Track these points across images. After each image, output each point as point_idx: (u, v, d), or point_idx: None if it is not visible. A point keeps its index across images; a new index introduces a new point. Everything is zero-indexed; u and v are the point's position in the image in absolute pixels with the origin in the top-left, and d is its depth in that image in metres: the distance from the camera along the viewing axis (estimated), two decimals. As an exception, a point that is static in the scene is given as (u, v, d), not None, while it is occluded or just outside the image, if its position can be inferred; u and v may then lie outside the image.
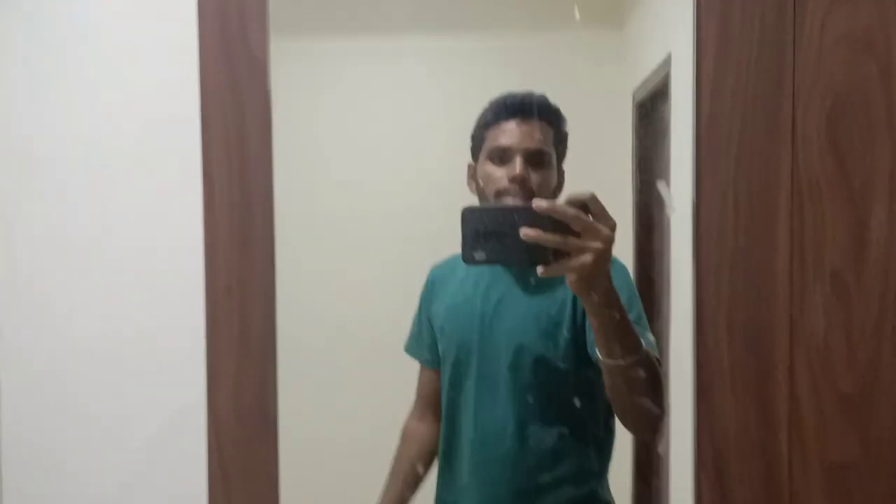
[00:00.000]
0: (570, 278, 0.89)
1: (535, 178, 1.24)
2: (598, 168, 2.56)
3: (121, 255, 0.94)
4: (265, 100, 0.90)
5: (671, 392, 2.05)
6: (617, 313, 0.96)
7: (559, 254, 0.87)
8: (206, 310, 0.90)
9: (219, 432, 0.90)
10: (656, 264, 2.48)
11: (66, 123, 0.94)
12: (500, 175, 1.25)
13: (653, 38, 2.43)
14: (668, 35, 2.27)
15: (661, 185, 1.39)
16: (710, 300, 0.87)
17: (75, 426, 0.95)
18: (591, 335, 1.19)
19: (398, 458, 1.45)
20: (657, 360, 1.14)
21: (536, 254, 0.86)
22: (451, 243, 1.38)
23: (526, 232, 0.85)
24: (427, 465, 1.43)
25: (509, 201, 1.23)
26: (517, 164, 1.23)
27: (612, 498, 1.36)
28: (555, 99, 2.00)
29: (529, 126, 1.27)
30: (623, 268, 1.27)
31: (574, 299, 1.24)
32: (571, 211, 0.86)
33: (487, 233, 0.87)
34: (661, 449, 2.39)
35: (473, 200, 1.32)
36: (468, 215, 0.88)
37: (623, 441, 1.42)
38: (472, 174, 1.33)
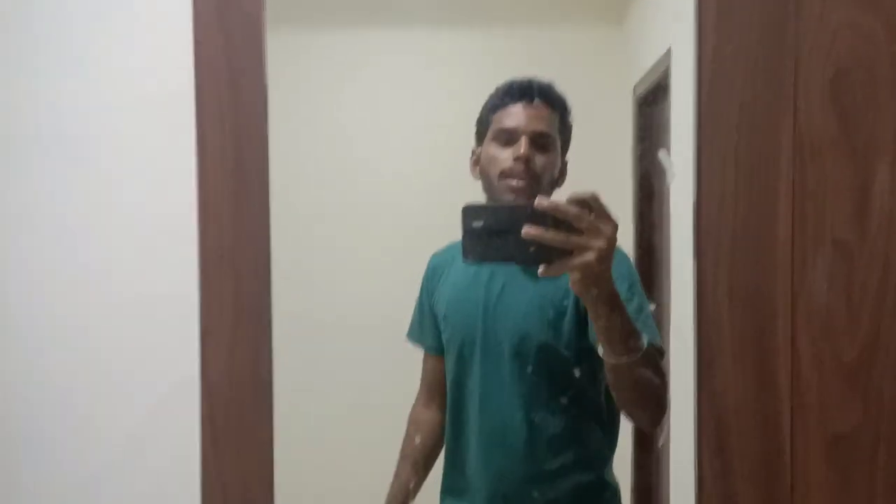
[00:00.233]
0: (573, 277, 0.89)
1: (539, 160, 1.24)
2: (598, 162, 2.56)
3: (112, 221, 0.92)
4: (260, 60, 0.89)
5: (672, 366, 2.04)
6: (618, 312, 0.96)
7: (561, 253, 0.86)
8: (200, 276, 0.89)
9: (211, 399, 0.89)
10: (656, 258, 2.47)
11: (57, 91, 0.93)
12: (504, 156, 1.25)
13: (653, 33, 2.43)
14: (669, 30, 2.27)
15: (661, 153, 1.38)
16: (710, 269, 0.86)
17: (66, 394, 0.93)
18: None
19: (406, 445, 1.45)
20: (660, 350, 1.13)
21: (538, 252, 0.86)
22: (457, 230, 1.38)
23: (527, 230, 0.84)
24: (436, 451, 1.43)
25: (512, 182, 1.23)
26: (522, 145, 1.23)
27: (617, 482, 1.35)
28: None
29: (536, 109, 1.27)
30: (624, 256, 1.27)
31: None
32: (574, 209, 0.85)
33: (488, 231, 0.86)
34: (660, 443, 2.38)
35: (477, 186, 1.32)
36: (469, 213, 0.87)
37: (623, 428, 1.41)
38: (476, 159, 1.32)
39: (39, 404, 0.93)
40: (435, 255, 1.43)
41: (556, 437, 1.27)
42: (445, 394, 1.37)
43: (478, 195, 1.31)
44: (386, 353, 1.75)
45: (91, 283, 0.92)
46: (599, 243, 0.86)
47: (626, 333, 0.98)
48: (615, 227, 0.88)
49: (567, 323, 1.24)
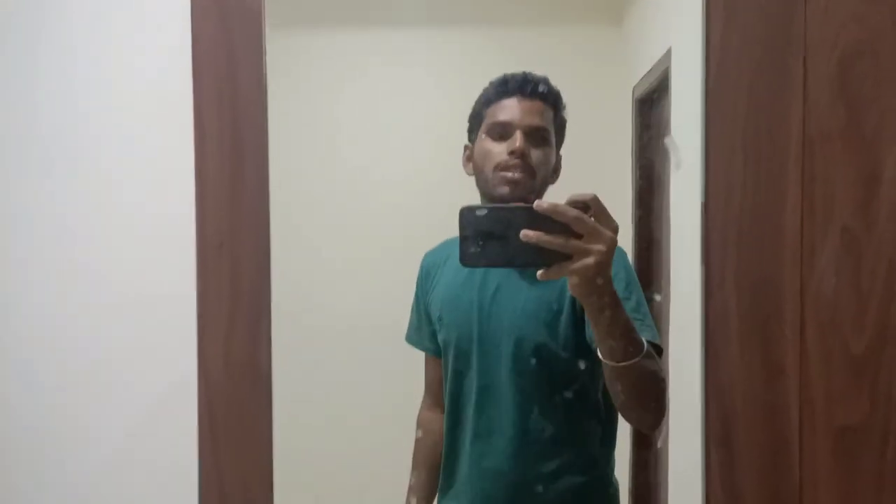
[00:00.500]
0: (572, 281, 0.87)
1: (534, 154, 1.23)
2: (598, 163, 2.56)
3: (109, 215, 0.91)
4: (259, 51, 0.88)
5: (671, 365, 2.03)
6: (618, 316, 0.94)
7: (560, 256, 0.84)
8: (197, 268, 0.87)
9: (209, 390, 0.87)
10: (655, 257, 2.47)
11: (54, 85, 0.91)
12: (499, 150, 1.23)
13: (652, 34, 2.43)
14: (669, 30, 2.27)
15: (668, 140, 1.37)
16: (717, 260, 0.85)
17: (63, 387, 0.92)
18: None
19: (418, 449, 1.43)
20: (658, 348, 1.12)
21: (536, 256, 0.84)
22: (456, 229, 1.37)
23: (526, 233, 0.83)
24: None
25: (508, 175, 1.21)
26: (517, 138, 1.22)
27: (616, 483, 1.33)
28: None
29: (530, 103, 1.25)
30: (622, 252, 1.26)
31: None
32: (573, 212, 0.83)
33: (486, 234, 0.84)
34: (659, 443, 2.36)
35: (470, 182, 1.30)
36: (467, 215, 0.85)
37: (622, 428, 1.40)
38: (469, 155, 1.31)
39: (36, 402, 0.92)
40: (428, 255, 1.41)
41: (555, 438, 1.25)
42: None
43: (476, 194, 1.30)
44: (385, 354, 1.74)
45: (88, 278, 0.91)
46: (599, 246, 0.84)
47: (625, 337, 0.96)
48: (615, 229, 0.86)
49: (563, 322, 1.22)
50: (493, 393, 1.25)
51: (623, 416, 1.15)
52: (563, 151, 2.52)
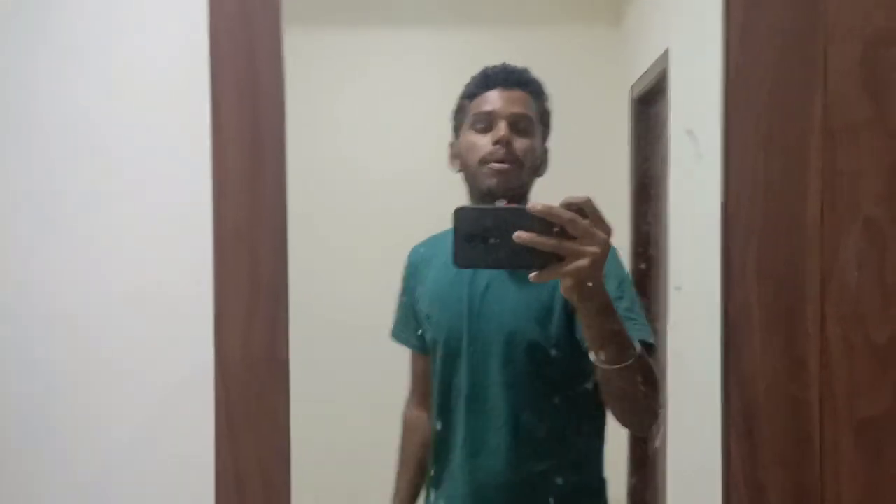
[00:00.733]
0: (566, 283, 0.87)
1: (519, 144, 1.22)
2: (595, 163, 2.57)
3: (125, 196, 0.89)
4: (277, 39, 0.86)
5: (669, 366, 2.02)
6: (611, 319, 0.94)
7: (553, 258, 0.84)
8: (214, 257, 0.86)
9: (226, 380, 0.86)
10: (653, 257, 2.47)
11: (70, 72, 0.90)
12: (483, 142, 1.23)
13: (650, 35, 2.44)
14: (667, 31, 2.28)
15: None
16: (738, 251, 0.84)
17: (77, 379, 0.90)
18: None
19: (404, 448, 1.41)
20: (651, 347, 1.11)
21: (530, 257, 0.83)
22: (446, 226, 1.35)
23: (520, 235, 0.82)
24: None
25: (494, 166, 1.20)
26: (501, 128, 1.21)
27: (605, 480, 1.32)
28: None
29: (512, 93, 1.25)
30: (613, 251, 1.25)
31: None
32: (568, 214, 0.83)
33: (480, 235, 0.84)
34: (656, 444, 2.36)
35: (457, 179, 1.29)
36: (460, 216, 0.85)
37: (619, 429, 1.39)
38: (455, 151, 1.30)
39: (50, 392, 0.90)
40: (414, 250, 1.39)
41: (547, 436, 1.24)
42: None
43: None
44: (385, 350, 1.72)
45: (103, 269, 0.89)
46: (593, 249, 0.84)
47: (618, 340, 0.96)
48: (609, 232, 0.86)
49: (555, 320, 1.21)
50: (483, 391, 1.24)
51: (616, 418, 1.13)
52: (560, 150, 2.52)
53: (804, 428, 0.84)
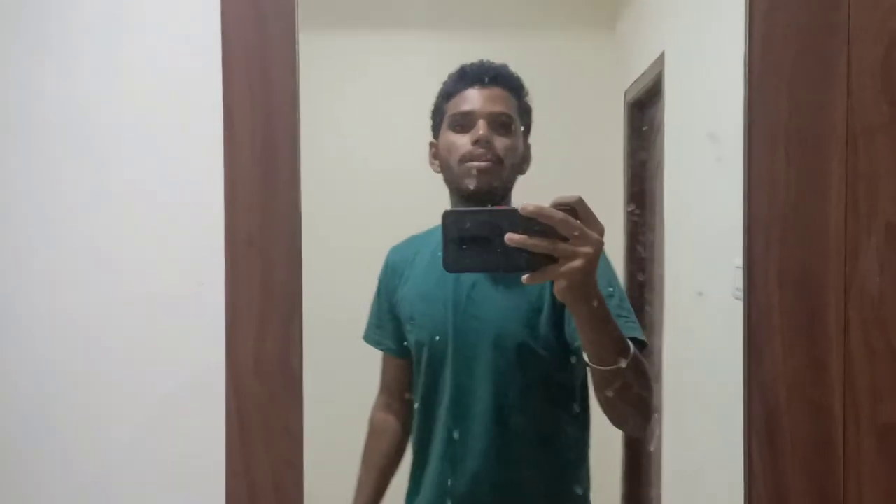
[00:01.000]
0: (559, 285, 0.85)
1: (499, 143, 1.20)
2: (590, 166, 2.56)
3: (136, 199, 0.87)
4: (291, 41, 0.85)
5: (665, 367, 2.01)
6: (606, 319, 0.93)
7: (546, 259, 0.82)
8: (226, 260, 0.84)
9: (238, 393, 0.84)
10: (648, 261, 2.47)
11: (80, 75, 0.88)
12: (463, 142, 1.21)
13: (645, 38, 2.44)
14: (662, 34, 2.28)
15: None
16: (760, 255, 0.84)
17: (84, 377, 0.88)
18: (573, 322, 1.15)
19: (369, 453, 1.36)
20: (643, 344, 1.09)
21: (521, 259, 0.82)
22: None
23: (511, 236, 0.81)
24: (399, 457, 1.36)
25: (474, 164, 1.18)
26: (480, 127, 1.19)
27: (590, 486, 1.30)
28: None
29: (490, 91, 1.23)
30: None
31: (552, 283, 1.19)
32: (559, 215, 0.81)
33: (470, 238, 0.82)
34: (651, 447, 2.36)
35: (438, 179, 1.27)
36: (449, 219, 0.83)
37: (613, 431, 1.38)
38: (435, 152, 1.28)
39: (58, 397, 0.88)
40: (393, 251, 1.36)
41: (534, 440, 1.23)
42: (405, 398, 1.31)
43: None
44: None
45: (111, 275, 0.87)
46: (586, 249, 0.82)
47: (613, 341, 0.95)
48: (601, 232, 0.84)
49: (544, 321, 1.19)
50: (469, 394, 1.22)
51: (610, 419, 1.10)
52: (554, 153, 2.51)
53: (826, 434, 0.83)
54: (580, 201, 0.83)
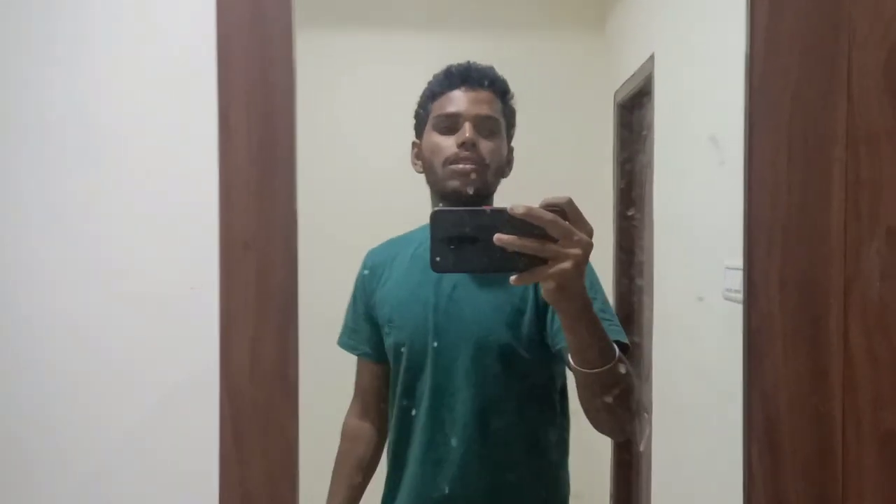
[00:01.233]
0: (548, 286, 0.84)
1: (484, 146, 1.19)
2: (580, 167, 2.56)
3: (128, 206, 0.85)
4: (288, 40, 0.83)
5: (654, 368, 2.01)
6: (592, 321, 0.92)
7: (534, 261, 0.81)
8: (221, 267, 0.82)
9: (232, 400, 0.82)
10: (637, 262, 2.47)
11: (73, 75, 0.86)
12: (447, 144, 1.19)
13: (634, 40, 2.44)
14: (651, 36, 2.28)
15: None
16: (761, 261, 0.83)
17: (82, 385, 0.86)
18: (556, 324, 1.15)
19: (341, 461, 1.34)
20: (626, 347, 1.08)
21: (510, 260, 0.81)
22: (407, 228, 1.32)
23: (500, 237, 0.80)
24: (374, 465, 1.34)
25: (458, 167, 1.17)
26: (466, 129, 1.18)
27: (569, 492, 1.29)
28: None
29: (477, 93, 1.22)
30: None
31: (536, 285, 1.16)
32: (549, 216, 0.81)
33: (458, 238, 0.81)
34: (641, 447, 2.36)
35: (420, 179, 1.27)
36: (437, 219, 0.82)
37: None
38: (417, 152, 1.26)
39: (48, 401, 0.86)
40: (371, 254, 1.35)
41: (516, 445, 1.21)
42: (381, 403, 1.29)
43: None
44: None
45: (103, 278, 0.85)
46: (576, 251, 0.81)
47: (599, 343, 0.94)
48: (590, 233, 0.83)
49: (527, 322, 1.18)
50: (449, 397, 1.20)
51: (593, 423, 1.09)
52: (544, 155, 2.51)
53: (827, 441, 0.83)
54: (569, 202, 0.83)
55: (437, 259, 0.82)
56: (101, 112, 0.85)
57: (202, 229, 0.82)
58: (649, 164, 2.31)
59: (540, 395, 1.22)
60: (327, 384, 1.36)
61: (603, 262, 2.50)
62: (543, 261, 0.81)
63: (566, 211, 0.82)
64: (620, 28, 2.57)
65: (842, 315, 0.82)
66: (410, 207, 1.30)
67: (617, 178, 2.52)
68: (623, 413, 1.04)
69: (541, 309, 1.18)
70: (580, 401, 1.04)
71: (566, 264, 0.81)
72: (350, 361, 1.47)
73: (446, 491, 1.20)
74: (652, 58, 2.22)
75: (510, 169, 1.26)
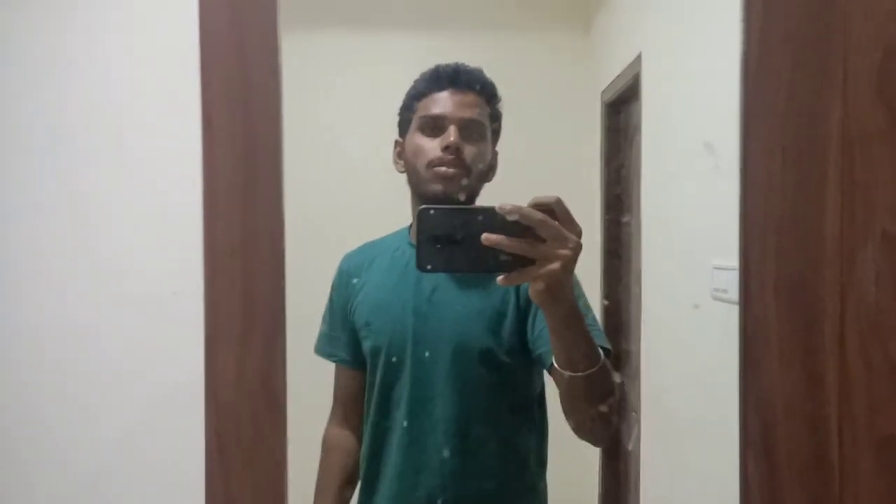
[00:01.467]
0: (536, 287, 0.82)
1: (469, 150, 1.17)
2: (566, 167, 2.56)
3: (110, 212, 0.83)
4: (273, 39, 0.81)
5: (642, 368, 2.01)
6: (579, 323, 0.91)
7: (522, 261, 0.80)
8: (205, 272, 0.80)
9: (218, 413, 0.80)
10: (624, 263, 2.47)
11: (56, 80, 0.84)
12: (431, 146, 1.17)
13: (620, 40, 2.44)
14: (638, 35, 2.27)
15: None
16: (756, 265, 0.82)
17: (58, 400, 0.84)
18: (537, 328, 1.14)
19: (324, 471, 1.31)
20: (608, 352, 1.07)
21: (498, 261, 0.79)
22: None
23: (488, 237, 0.78)
24: (356, 475, 1.31)
25: (441, 170, 1.15)
26: (451, 133, 1.15)
27: (546, 497, 1.27)
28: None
29: (464, 96, 1.19)
30: None
31: (517, 288, 1.16)
32: (538, 215, 0.79)
33: (445, 237, 0.80)
34: (630, 445, 2.35)
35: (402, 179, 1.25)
36: (424, 217, 0.80)
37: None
38: (400, 151, 1.24)
39: (28, 412, 0.84)
40: (347, 258, 1.32)
41: (496, 452, 1.19)
42: (361, 411, 1.27)
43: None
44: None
45: (86, 280, 0.83)
46: (565, 251, 0.80)
47: (585, 345, 0.93)
48: (579, 233, 0.82)
49: (508, 326, 1.16)
50: (428, 402, 1.17)
51: (575, 428, 1.06)
52: (530, 155, 2.50)
53: (822, 446, 0.82)
54: (558, 202, 0.81)
55: (423, 258, 0.80)
56: (81, 116, 0.83)
57: (186, 236, 0.80)
58: (637, 164, 2.30)
59: (520, 401, 1.21)
60: (314, 392, 1.34)
61: (590, 264, 2.50)
62: (532, 261, 0.80)
63: (555, 210, 0.81)
64: (607, 28, 2.56)
65: (837, 320, 0.81)
66: (400, 209, 1.29)
67: (604, 178, 2.52)
68: (606, 417, 1.02)
69: (522, 312, 1.16)
70: (563, 406, 1.02)
71: (555, 265, 0.80)
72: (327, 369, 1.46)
73: (425, 500, 1.18)
74: (639, 57, 2.21)
75: (494, 174, 1.24)
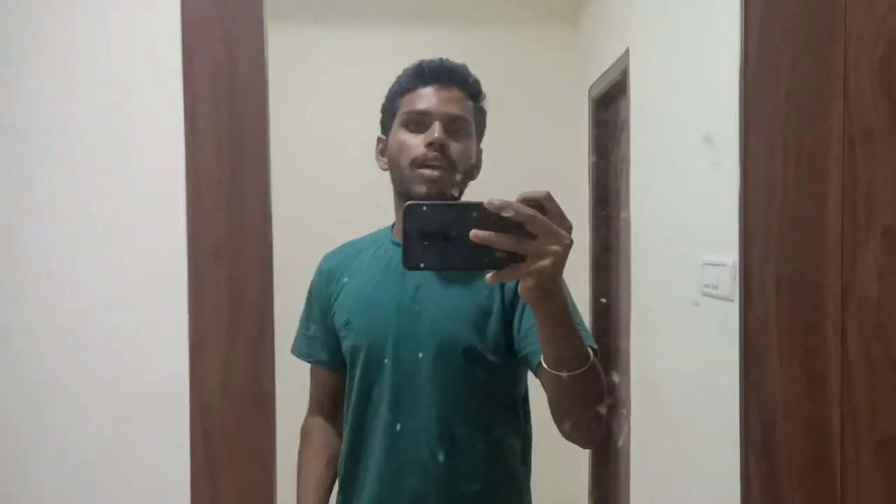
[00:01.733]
0: (526, 284, 0.80)
1: (454, 147, 1.14)
2: (554, 163, 2.54)
3: (92, 212, 0.80)
4: (259, 35, 0.78)
5: (632, 366, 1.99)
6: (568, 321, 0.89)
7: (512, 257, 0.77)
8: (189, 272, 0.77)
9: (203, 416, 0.77)
10: (613, 258, 2.46)
11: (36, 78, 0.80)
12: (416, 143, 1.13)
13: (608, 35, 2.42)
14: (626, 31, 2.26)
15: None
16: (757, 263, 0.81)
17: (42, 401, 0.81)
18: (524, 327, 1.11)
19: (305, 462, 1.27)
20: (595, 352, 1.05)
21: (487, 257, 0.77)
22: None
23: (477, 233, 0.75)
24: (338, 458, 1.26)
25: (426, 172, 1.12)
26: (436, 129, 1.12)
27: (531, 498, 1.25)
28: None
29: (448, 92, 1.16)
30: None
31: (503, 286, 1.14)
32: (528, 211, 0.77)
33: (433, 234, 0.77)
34: (620, 442, 2.35)
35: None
36: (411, 213, 0.77)
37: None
38: (383, 148, 1.21)
39: (12, 408, 0.80)
40: (327, 258, 1.29)
41: (480, 453, 1.16)
42: (337, 412, 1.24)
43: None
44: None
45: (68, 277, 0.79)
46: (555, 247, 0.78)
47: (574, 345, 0.91)
48: (570, 229, 0.80)
49: (493, 324, 1.13)
50: (411, 402, 1.14)
51: (562, 429, 1.03)
52: (518, 151, 2.48)
53: (824, 446, 0.81)
54: (548, 197, 0.79)
55: (410, 255, 0.78)
56: (63, 113, 0.80)
57: (170, 234, 0.77)
58: (626, 160, 2.29)
59: (505, 401, 1.18)
60: (304, 393, 1.31)
61: (579, 260, 2.49)
62: (521, 258, 0.78)
63: (545, 206, 0.78)
64: (595, 23, 2.55)
65: (839, 318, 0.80)
66: (391, 206, 1.27)
67: (592, 174, 2.50)
68: (594, 418, 1.00)
69: (507, 311, 1.14)
70: (551, 408, 1.00)
71: (545, 261, 0.78)
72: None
73: (409, 502, 1.15)
74: (627, 53, 2.20)
75: (478, 172, 1.21)
